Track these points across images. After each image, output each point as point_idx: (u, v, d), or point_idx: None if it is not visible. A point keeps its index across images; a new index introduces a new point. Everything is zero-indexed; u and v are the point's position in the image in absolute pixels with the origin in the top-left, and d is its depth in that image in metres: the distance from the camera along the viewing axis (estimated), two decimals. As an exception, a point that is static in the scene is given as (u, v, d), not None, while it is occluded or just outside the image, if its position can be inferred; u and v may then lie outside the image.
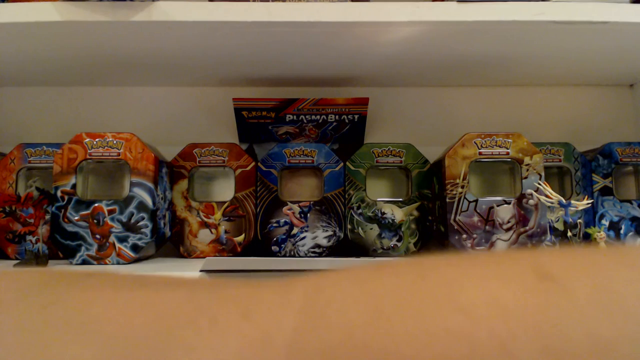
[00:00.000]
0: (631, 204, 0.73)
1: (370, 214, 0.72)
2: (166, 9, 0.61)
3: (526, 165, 0.63)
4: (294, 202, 0.71)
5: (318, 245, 0.71)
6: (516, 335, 0.16)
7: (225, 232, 0.72)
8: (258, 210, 0.72)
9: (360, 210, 0.72)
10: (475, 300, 0.17)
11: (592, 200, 0.67)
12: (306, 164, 0.73)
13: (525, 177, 0.63)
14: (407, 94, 0.91)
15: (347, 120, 0.79)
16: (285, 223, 0.71)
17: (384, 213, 0.72)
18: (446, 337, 0.16)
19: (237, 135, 0.83)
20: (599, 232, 0.68)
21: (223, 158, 0.73)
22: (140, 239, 0.62)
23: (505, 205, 0.63)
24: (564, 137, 0.88)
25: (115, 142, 0.63)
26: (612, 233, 0.72)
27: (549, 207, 0.61)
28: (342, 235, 0.71)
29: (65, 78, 0.85)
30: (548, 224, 0.62)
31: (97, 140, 0.63)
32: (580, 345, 0.15)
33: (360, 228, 0.72)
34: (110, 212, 0.62)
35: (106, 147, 0.63)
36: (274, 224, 0.71)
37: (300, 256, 0.70)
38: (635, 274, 0.17)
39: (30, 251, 0.58)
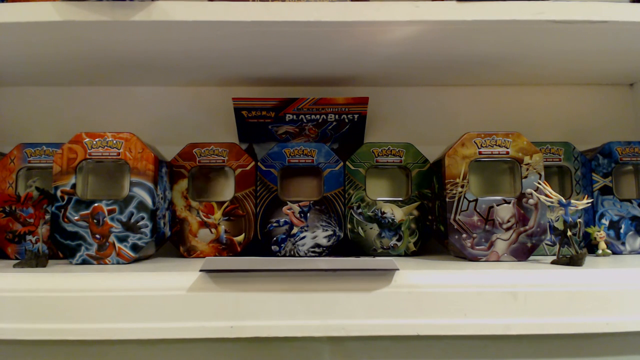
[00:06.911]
0: (631, 203, 0.73)
1: (370, 213, 0.72)
2: (166, 8, 0.61)
3: (526, 164, 0.63)
4: (293, 202, 0.71)
5: (318, 245, 0.71)
6: None
7: (225, 231, 0.72)
8: (258, 209, 0.72)
9: (360, 210, 0.72)
10: None
11: (591, 200, 0.67)
12: (306, 164, 0.73)
13: (525, 177, 0.63)
14: (407, 94, 0.91)
15: (346, 120, 0.79)
16: (285, 222, 0.71)
17: (383, 212, 0.72)
18: None
19: (237, 135, 0.83)
20: (599, 231, 0.68)
21: (223, 158, 0.73)
22: (140, 238, 0.62)
23: (505, 204, 0.63)
24: (563, 136, 0.88)
25: (114, 142, 0.63)
26: (612, 232, 0.72)
27: (548, 206, 0.61)
28: (342, 234, 0.71)
29: (65, 78, 0.85)
30: (548, 223, 0.62)
31: (96, 140, 0.63)
32: None
33: (360, 228, 0.72)
34: (110, 212, 0.62)
35: (106, 147, 0.63)
36: (274, 224, 0.71)
37: (300, 256, 0.70)
38: None
39: (30, 251, 0.58)
